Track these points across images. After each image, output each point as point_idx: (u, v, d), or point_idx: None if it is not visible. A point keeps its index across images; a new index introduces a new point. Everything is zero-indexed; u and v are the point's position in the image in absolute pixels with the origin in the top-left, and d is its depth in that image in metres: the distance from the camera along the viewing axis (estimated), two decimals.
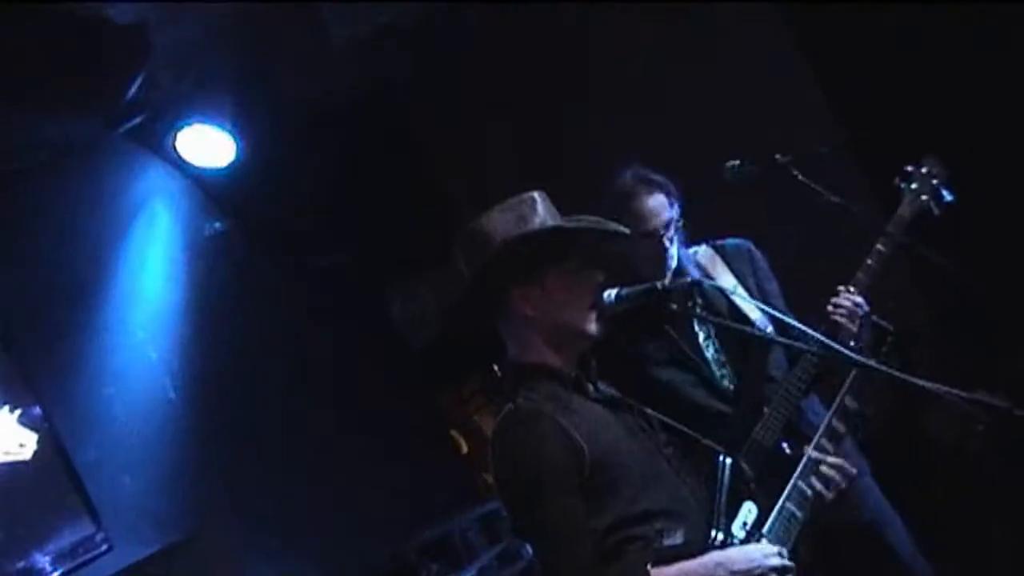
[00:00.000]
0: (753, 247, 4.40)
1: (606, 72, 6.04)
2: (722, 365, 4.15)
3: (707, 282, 3.33)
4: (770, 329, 4.06)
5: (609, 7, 5.85)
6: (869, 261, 4.03)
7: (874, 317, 3.82)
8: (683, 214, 4.19)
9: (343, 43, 5.82)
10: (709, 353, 4.18)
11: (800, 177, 4.14)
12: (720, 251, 4.33)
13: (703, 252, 4.32)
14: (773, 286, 4.33)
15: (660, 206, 4.15)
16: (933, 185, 4.09)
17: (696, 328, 4.20)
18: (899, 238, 4.02)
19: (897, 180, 4.12)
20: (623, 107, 5.97)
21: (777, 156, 4.18)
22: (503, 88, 6.29)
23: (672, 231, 4.15)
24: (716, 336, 4.21)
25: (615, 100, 6.03)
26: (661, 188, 4.17)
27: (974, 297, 4.21)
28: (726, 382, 4.14)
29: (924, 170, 4.11)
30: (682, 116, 5.71)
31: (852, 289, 4.00)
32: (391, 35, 5.91)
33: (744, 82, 5.69)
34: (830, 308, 3.98)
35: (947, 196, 4.08)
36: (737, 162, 4.23)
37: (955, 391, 2.75)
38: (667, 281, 3.22)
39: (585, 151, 6.04)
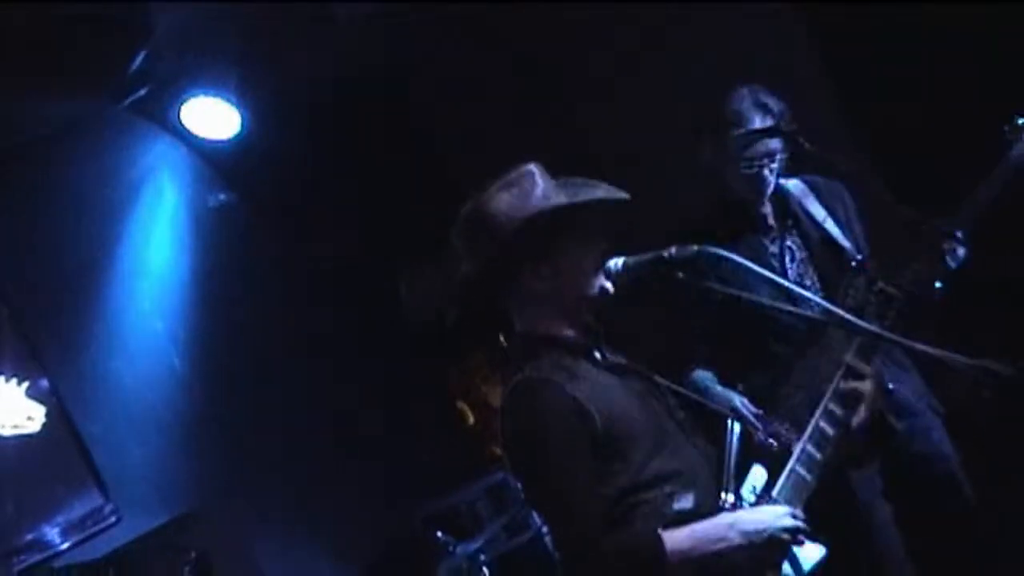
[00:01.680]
0: (845, 189, 4.38)
1: (611, 48, 6.02)
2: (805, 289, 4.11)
3: (716, 250, 3.32)
4: (860, 257, 4.03)
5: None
6: (980, 196, 3.93)
7: (880, 283, 3.80)
8: (793, 144, 4.16)
9: (348, 20, 5.81)
10: (792, 275, 4.16)
11: (808, 146, 4.12)
12: (813, 186, 4.32)
13: (795, 185, 4.30)
14: (859, 228, 4.31)
15: (749, 111, 4.12)
16: None
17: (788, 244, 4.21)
18: (1006, 183, 3.95)
19: (1006, 128, 4.04)
20: (626, 85, 5.96)
21: (782, 125, 4.16)
22: (508, 68, 6.28)
23: (776, 162, 4.14)
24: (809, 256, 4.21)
25: (618, 77, 6.01)
26: (774, 116, 4.14)
27: (985, 265, 4.19)
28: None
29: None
30: (687, 93, 5.70)
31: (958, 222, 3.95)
32: (396, 13, 5.90)
33: (753, 63, 5.68)
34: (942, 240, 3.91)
35: None
36: (744, 130, 4.22)
37: (961, 358, 2.75)
38: (673, 250, 3.21)
39: (589, 128, 6.03)
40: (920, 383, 4.25)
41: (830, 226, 4.20)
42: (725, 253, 3.45)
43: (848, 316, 3.25)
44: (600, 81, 6.12)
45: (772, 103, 4.15)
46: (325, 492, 6.23)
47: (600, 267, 3.21)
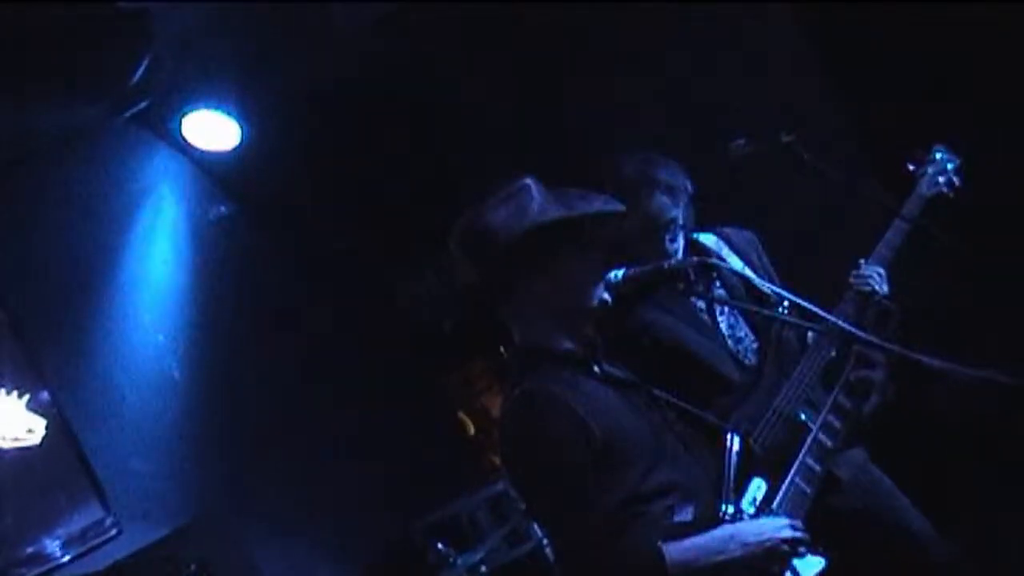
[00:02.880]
0: (753, 235, 4.39)
1: (609, 52, 6.02)
2: (738, 341, 4.12)
3: (716, 262, 3.33)
4: (786, 303, 4.05)
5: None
6: (888, 235, 4.03)
7: (878, 297, 3.82)
8: (691, 201, 4.16)
9: (348, 28, 5.82)
10: (723, 328, 4.15)
11: (806, 156, 4.13)
12: (725, 237, 4.31)
13: (707, 238, 4.29)
14: (774, 278, 4.31)
15: (662, 207, 4.08)
16: (946, 169, 4.13)
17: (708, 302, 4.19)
18: (915, 217, 4.03)
19: (911, 165, 4.14)
20: (626, 87, 5.96)
21: (783, 135, 4.17)
22: (508, 73, 6.28)
23: (676, 230, 4.11)
24: (732, 311, 4.19)
25: (618, 80, 6.01)
26: (661, 187, 4.11)
27: (980, 277, 4.22)
28: (742, 356, 4.11)
29: (938, 155, 4.15)
30: (685, 95, 5.70)
31: (870, 261, 4.00)
32: (397, 22, 5.90)
33: (748, 67, 5.69)
34: (853, 279, 3.96)
35: (958, 181, 4.12)
36: (742, 141, 4.22)
37: (962, 368, 2.76)
38: (673, 261, 3.21)
39: (588, 132, 6.03)
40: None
41: (749, 274, 4.17)
42: (723, 264, 3.47)
43: (850, 327, 3.26)
44: (600, 83, 6.12)
45: (658, 174, 4.11)
46: (326, 503, 6.23)
47: (599, 279, 3.21)
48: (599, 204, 3.23)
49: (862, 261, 4.01)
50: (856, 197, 4.26)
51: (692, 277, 4.11)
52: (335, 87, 6.34)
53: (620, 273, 3.24)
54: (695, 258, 3.26)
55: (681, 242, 4.13)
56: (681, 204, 4.11)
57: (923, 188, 4.11)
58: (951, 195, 4.12)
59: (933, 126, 4.36)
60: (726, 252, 4.24)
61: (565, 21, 5.94)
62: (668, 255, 4.07)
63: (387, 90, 6.45)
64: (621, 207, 3.27)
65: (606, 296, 3.21)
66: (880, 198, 4.16)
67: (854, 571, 3.58)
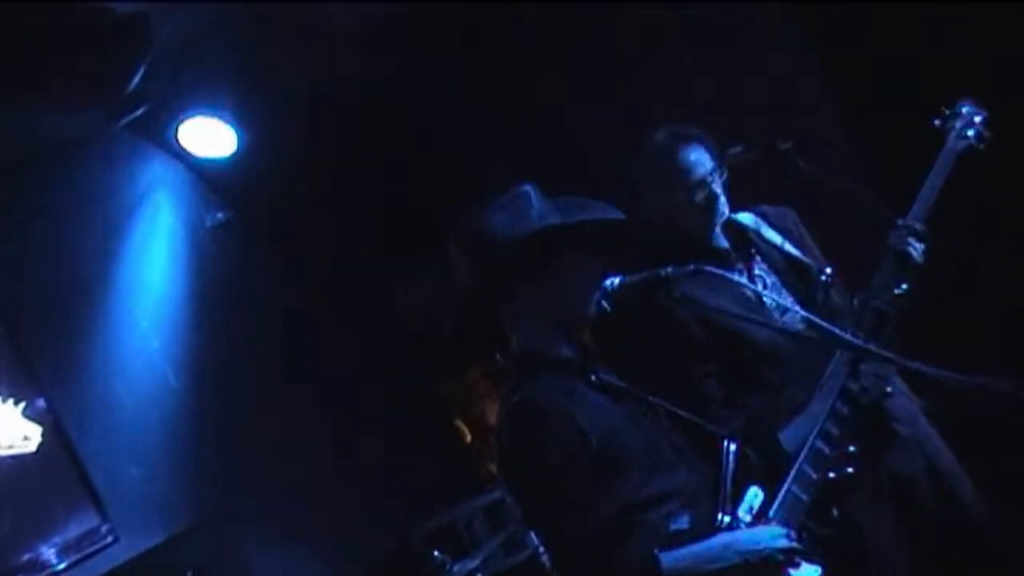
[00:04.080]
0: (792, 212, 4.39)
1: (609, 52, 6.02)
2: (784, 312, 4.10)
3: (713, 269, 3.33)
4: (829, 270, 4.07)
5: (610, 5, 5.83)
6: (923, 192, 4.00)
7: (876, 302, 3.81)
8: (721, 166, 4.17)
9: (345, 34, 5.82)
10: (768, 300, 4.14)
11: (802, 164, 4.13)
12: (762, 215, 4.32)
13: (746, 216, 4.29)
14: (815, 246, 4.32)
15: (701, 157, 4.13)
16: (974, 122, 4.10)
17: (756, 273, 4.20)
18: (947, 173, 4.01)
19: (938, 121, 4.11)
20: (624, 89, 5.96)
21: (780, 142, 4.17)
22: (506, 79, 6.27)
23: (718, 180, 4.13)
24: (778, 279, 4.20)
25: (616, 79, 6.01)
26: (699, 141, 4.14)
27: (979, 279, 4.21)
28: (791, 327, 4.09)
29: (964, 110, 4.12)
30: (684, 101, 5.70)
31: (908, 219, 3.98)
32: (392, 27, 5.90)
33: (749, 73, 5.68)
34: (892, 239, 3.94)
35: (987, 133, 4.08)
36: (739, 148, 4.22)
37: (958, 376, 2.75)
38: (670, 269, 3.21)
39: (588, 141, 6.02)
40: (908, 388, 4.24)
41: (789, 248, 4.18)
42: (722, 272, 3.47)
43: (844, 335, 3.25)
44: (598, 86, 6.12)
45: (690, 130, 4.16)
46: (322, 510, 6.22)
47: (597, 286, 3.21)
48: (598, 212, 3.24)
49: (899, 221, 3.98)
50: (854, 204, 4.26)
51: (731, 256, 4.15)
52: (332, 93, 6.34)
53: (616, 280, 3.24)
54: (692, 265, 3.24)
55: (725, 208, 4.15)
56: (714, 159, 4.13)
57: (952, 142, 4.04)
58: (981, 147, 4.07)
59: (931, 128, 4.35)
60: (764, 228, 4.25)
61: (564, 25, 5.94)
62: (716, 207, 4.09)
63: (384, 95, 6.45)
64: (620, 215, 3.27)
65: (604, 304, 3.21)
66: (878, 206, 4.15)
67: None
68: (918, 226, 3.91)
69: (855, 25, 5.31)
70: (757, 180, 4.34)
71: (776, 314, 4.07)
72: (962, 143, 4.07)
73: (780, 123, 5.00)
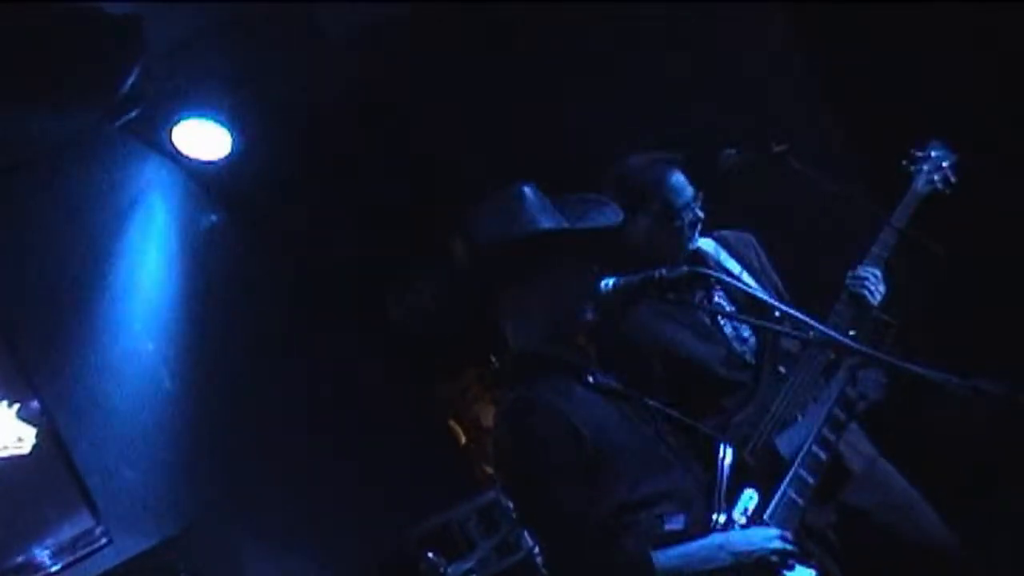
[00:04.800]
0: (752, 236, 4.40)
1: (606, 54, 6.02)
2: (743, 341, 4.13)
3: (707, 272, 3.34)
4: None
5: (608, 4, 5.83)
6: (882, 235, 4.02)
7: (875, 312, 3.83)
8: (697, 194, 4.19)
9: (338, 38, 5.82)
10: (727, 330, 4.15)
11: (797, 165, 4.14)
12: (723, 241, 4.33)
13: (707, 243, 4.31)
14: (775, 278, 4.33)
15: (685, 183, 4.14)
16: (942, 167, 4.11)
17: (716, 301, 4.21)
18: (911, 216, 4.03)
19: (905, 162, 4.13)
20: (621, 99, 5.96)
21: (774, 144, 4.17)
22: (500, 83, 6.28)
23: (695, 214, 4.14)
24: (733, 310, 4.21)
25: (614, 92, 6.01)
26: (679, 166, 4.16)
27: (971, 284, 4.23)
28: (747, 357, 4.12)
29: (933, 153, 4.14)
30: (680, 105, 5.71)
31: (866, 262, 4.00)
32: (386, 30, 5.90)
33: (742, 74, 5.69)
34: (848, 281, 3.96)
35: (954, 178, 4.10)
36: (733, 150, 4.23)
37: (953, 378, 2.76)
38: (664, 271, 3.22)
39: (584, 145, 6.02)
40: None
41: (747, 278, 4.19)
42: (716, 274, 3.47)
43: (843, 338, 3.27)
44: (593, 89, 6.12)
45: (666, 155, 4.17)
46: (317, 512, 6.22)
47: (591, 288, 3.22)
48: (596, 215, 3.24)
49: (858, 264, 4.01)
50: (848, 205, 4.26)
51: (688, 286, 4.13)
52: (327, 95, 6.34)
53: (610, 282, 3.24)
54: (685, 268, 3.25)
55: (696, 233, 4.16)
56: (695, 192, 4.14)
57: (918, 185, 4.09)
58: (947, 192, 4.10)
59: (928, 132, 4.36)
60: (724, 256, 4.26)
61: (560, 29, 5.95)
62: (692, 234, 4.12)
63: (378, 99, 6.45)
64: (616, 220, 3.28)
65: (597, 306, 3.21)
66: (872, 207, 4.16)
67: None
68: (875, 272, 3.94)
69: (851, 27, 5.33)
70: (752, 182, 4.36)
71: (735, 343, 4.10)
72: (928, 187, 4.09)
73: (774, 125, 5.02)
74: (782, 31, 5.73)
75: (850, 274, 3.98)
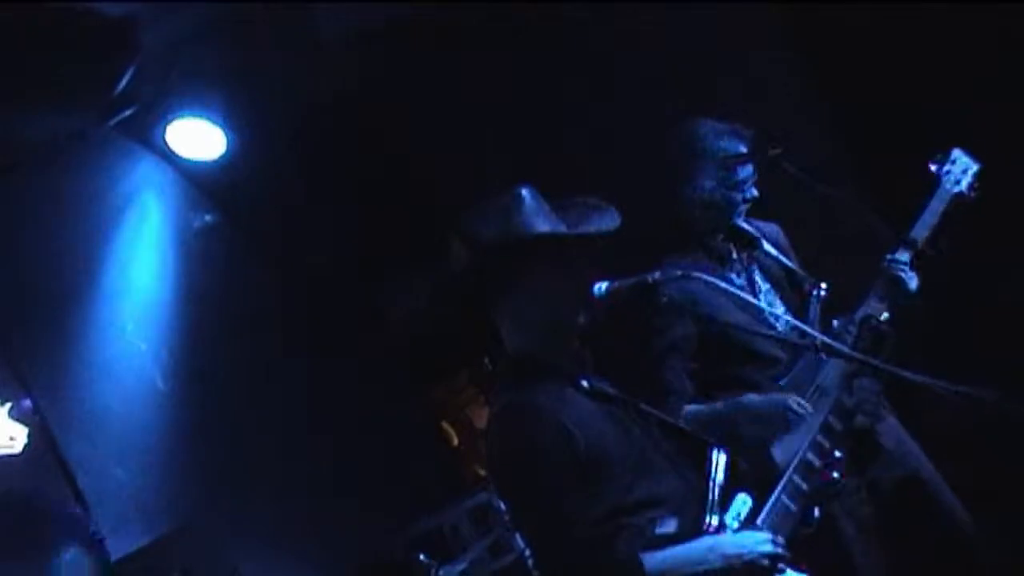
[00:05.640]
0: (781, 231, 4.44)
1: (604, 63, 6.02)
2: (776, 318, 4.14)
3: (702, 276, 3.35)
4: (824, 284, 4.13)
5: (606, 6, 5.83)
6: (926, 216, 4.04)
7: (873, 320, 3.84)
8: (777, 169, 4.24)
9: (334, 37, 5.82)
10: (763, 303, 4.18)
11: (791, 169, 4.15)
12: (757, 228, 4.36)
13: (747, 225, 4.35)
14: (797, 264, 4.37)
15: (731, 144, 4.21)
16: (967, 171, 4.13)
17: (754, 279, 4.24)
18: (943, 211, 4.04)
19: (932, 165, 4.15)
20: (620, 107, 5.96)
21: (769, 147, 4.18)
22: (496, 84, 6.28)
23: (748, 171, 4.21)
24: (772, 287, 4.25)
25: (612, 100, 6.01)
26: (743, 137, 4.23)
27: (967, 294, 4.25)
28: (781, 330, 4.14)
29: (956, 160, 4.16)
30: (678, 114, 5.71)
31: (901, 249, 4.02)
32: (381, 31, 5.90)
33: (741, 79, 5.69)
34: (888, 264, 3.98)
35: (976, 187, 4.12)
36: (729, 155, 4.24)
37: (947, 384, 2.77)
38: (657, 274, 3.23)
39: (581, 148, 6.03)
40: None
41: (785, 260, 4.24)
42: (710, 278, 3.48)
43: (839, 346, 3.27)
44: (593, 89, 6.12)
45: (740, 128, 4.21)
46: (309, 513, 6.22)
47: (585, 293, 3.22)
48: (592, 221, 3.25)
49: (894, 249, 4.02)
50: (842, 209, 4.27)
51: (734, 255, 4.24)
52: (321, 95, 6.33)
53: (603, 287, 3.25)
54: (679, 272, 3.27)
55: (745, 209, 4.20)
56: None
57: (948, 185, 4.10)
58: (971, 198, 4.12)
59: (926, 137, 4.37)
60: (762, 239, 4.31)
61: (556, 34, 5.95)
62: (737, 217, 4.21)
63: (374, 98, 6.45)
64: (614, 225, 3.28)
65: (593, 310, 3.22)
66: (869, 215, 4.18)
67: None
68: (906, 256, 3.96)
69: (847, 29, 5.33)
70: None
71: (771, 318, 4.12)
72: (956, 188, 4.10)
73: (769, 127, 5.01)
74: (780, 32, 5.74)
75: (888, 256, 3.99)
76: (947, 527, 4.20)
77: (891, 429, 4.19)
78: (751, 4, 5.62)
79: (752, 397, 3.92)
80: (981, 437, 4.35)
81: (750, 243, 4.26)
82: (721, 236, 4.25)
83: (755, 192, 4.20)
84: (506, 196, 3.24)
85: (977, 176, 4.15)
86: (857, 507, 4.08)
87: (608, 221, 3.27)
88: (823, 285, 4.15)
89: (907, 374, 2.90)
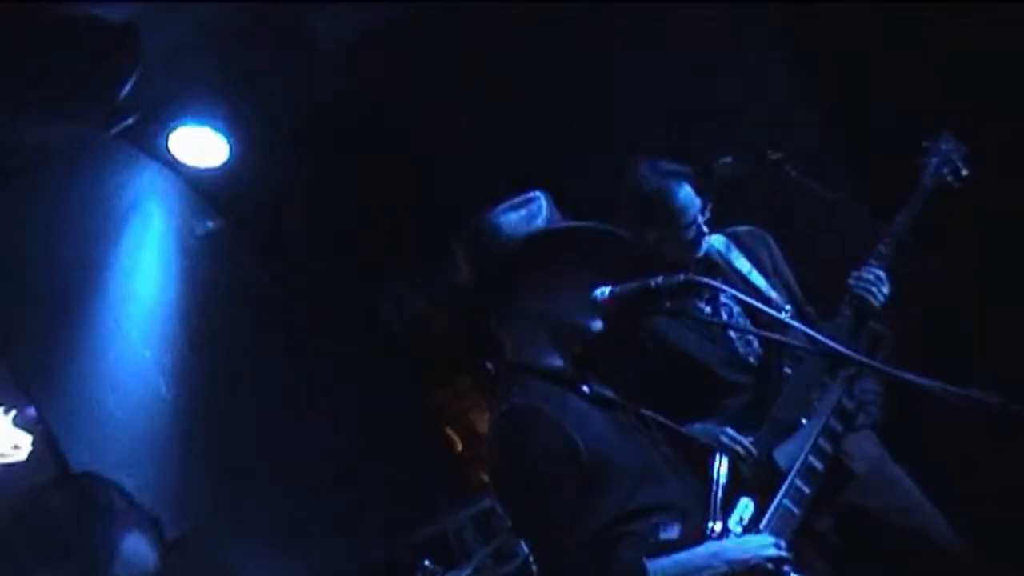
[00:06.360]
0: (767, 234, 4.42)
1: (604, 72, 6.03)
2: (747, 344, 4.14)
3: (701, 279, 3.34)
4: (789, 307, 4.11)
5: (606, 7, 5.83)
6: (889, 233, 4.02)
7: (871, 323, 3.84)
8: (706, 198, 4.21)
9: (335, 44, 5.82)
10: (732, 332, 4.18)
11: (793, 174, 4.14)
12: (735, 239, 4.34)
13: (718, 240, 4.33)
14: (788, 276, 4.34)
15: (691, 195, 4.16)
16: (952, 159, 4.11)
17: (721, 305, 4.23)
18: (921, 210, 4.03)
19: (919, 156, 4.13)
20: (620, 108, 5.96)
21: (770, 152, 4.18)
22: (496, 89, 6.28)
23: (704, 217, 4.17)
24: (741, 313, 4.23)
25: (613, 101, 6.02)
26: (685, 177, 4.18)
27: (967, 293, 4.24)
28: (751, 359, 4.14)
29: (942, 146, 4.13)
30: (677, 115, 5.71)
31: (872, 262, 4.00)
32: (381, 37, 5.90)
33: (738, 81, 5.69)
34: (852, 282, 3.97)
35: (964, 171, 4.10)
36: (729, 159, 4.23)
37: (949, 387, 2.76)
38: (660, 279, 3.22)
39: (583, 155, 6.03)
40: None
41: (755, 278, 4.22)
42: (713, 282, 3.48)
43: (840, 348, 3.27)
44: (592, 91, 6.12)
45: (675, 167, 4.19)
46: (312, 519, 6.21)
47: (588, 298, 3.22)
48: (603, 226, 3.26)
49: (863, 265, 4.01)
50: (843, 213, 4.27)
51: (688, 292, 4.14)
52: (324, 102, 6.33)
53: (606, 291, 3.24)
54: (682, 275, 3.26)
55: (704, 242, 4.18)
56: (702, 203, 4.17)
57: (927, 179, 4.09)
58: (956, 185, 4.10)
59: (926, 137, 4.36)
60: (735, 255, 4.29)
61: (553, 39, 5.95)
62: (700, 244, 4.17)
63: (376, 104, 6.45)
64: (625, 233, 3.29)
65: (595, 316, 3.21)
66: (868, 218, 4.17)
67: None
68: (878, 273, 3.94)
69: (846, 29, 5.33)
70: (747, 190, 4.36)
71: (739, 345, 4.12)
72: (936, 180, 4.08)
73: (770, 133, 5.01)
74: (779, 32, 5.74)
75: (853, 274, 3.98)
76: (931, 555, 4.16)
77: (873, 456, 4.17)
78: (751, 4, 5.62)
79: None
80: (981, 438, 4.34)
81: (714, 268, 4.23)
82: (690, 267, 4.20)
83: (704, 228, 4.16)
84: (525, 197, 3.27)
85: (965, 159, 4.13)
86: (823, 534, 4.06)
87: (604, 225, 3.28)
88: (787, 307, 4.12)
89: (912, 378, 2.89)
